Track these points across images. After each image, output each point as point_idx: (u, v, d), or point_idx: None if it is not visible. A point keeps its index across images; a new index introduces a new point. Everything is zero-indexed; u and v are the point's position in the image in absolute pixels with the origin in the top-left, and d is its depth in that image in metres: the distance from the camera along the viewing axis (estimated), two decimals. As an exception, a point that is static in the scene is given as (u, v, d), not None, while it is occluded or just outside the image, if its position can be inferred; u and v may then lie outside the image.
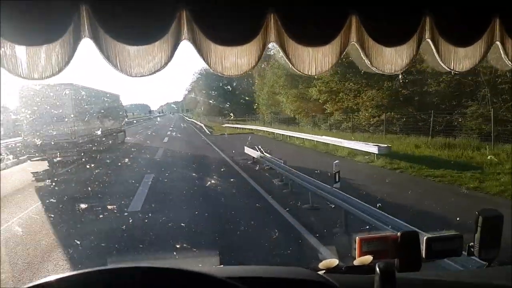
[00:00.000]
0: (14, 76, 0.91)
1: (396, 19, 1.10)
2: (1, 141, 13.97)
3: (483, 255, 1.22)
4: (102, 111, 16.60)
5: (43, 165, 11.99)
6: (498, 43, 1.22)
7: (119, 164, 12.98)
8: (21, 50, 0.91)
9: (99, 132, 15.20)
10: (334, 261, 1.15)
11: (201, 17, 0.99)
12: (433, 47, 1.19)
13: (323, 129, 24.99)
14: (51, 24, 0.89)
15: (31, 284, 0.78)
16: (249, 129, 32.33)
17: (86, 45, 0.97)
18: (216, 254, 4.46)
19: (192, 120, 51.31)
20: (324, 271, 1.13)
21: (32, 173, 10.35)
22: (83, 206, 7.05)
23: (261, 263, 1.59)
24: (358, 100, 21.14)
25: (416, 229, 1.25)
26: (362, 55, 1.16)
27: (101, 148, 15.01)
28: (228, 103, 45.66)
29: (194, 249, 4.80)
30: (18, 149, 13.48)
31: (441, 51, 1.20)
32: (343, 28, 1.07)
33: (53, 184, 9.64)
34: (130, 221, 6.28)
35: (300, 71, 1.14)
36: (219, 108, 47.48)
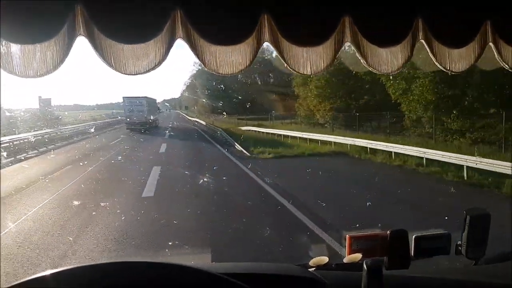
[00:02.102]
0: (9, 73, 0.91)
1: (389, 20, 1.10)
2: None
3: (470, 253, 1.24)
4: (152, 108, 31.51)
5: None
6: (491, 44, 1.23)
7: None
8: (15, 48, 0.91)
9: (152, 118, 30.48)
10: (324, 259, 1.17)
11: (195, 16, 0.99)
12: (427, 48, 1.20)
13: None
14: (46, 22, 0.89)
15: (25, 280, 0.80)
16: (321, 142, 16.83)
17: (81, 43, 0.99)
18: (208, 251, 4.76)
19: (196, 119, 39.74)
20: (314, 268, 1.16)
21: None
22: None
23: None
24: None
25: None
26: (357, 55, 1.17)
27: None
28: (239, 96, 39.52)
29: (186, 246, 5.05)
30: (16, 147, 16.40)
31: (435, 52, 1.21)
32: (336, 29, 1.08)
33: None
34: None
35: (296, 71, 1.15)
36: (223, 105, 40.23)
